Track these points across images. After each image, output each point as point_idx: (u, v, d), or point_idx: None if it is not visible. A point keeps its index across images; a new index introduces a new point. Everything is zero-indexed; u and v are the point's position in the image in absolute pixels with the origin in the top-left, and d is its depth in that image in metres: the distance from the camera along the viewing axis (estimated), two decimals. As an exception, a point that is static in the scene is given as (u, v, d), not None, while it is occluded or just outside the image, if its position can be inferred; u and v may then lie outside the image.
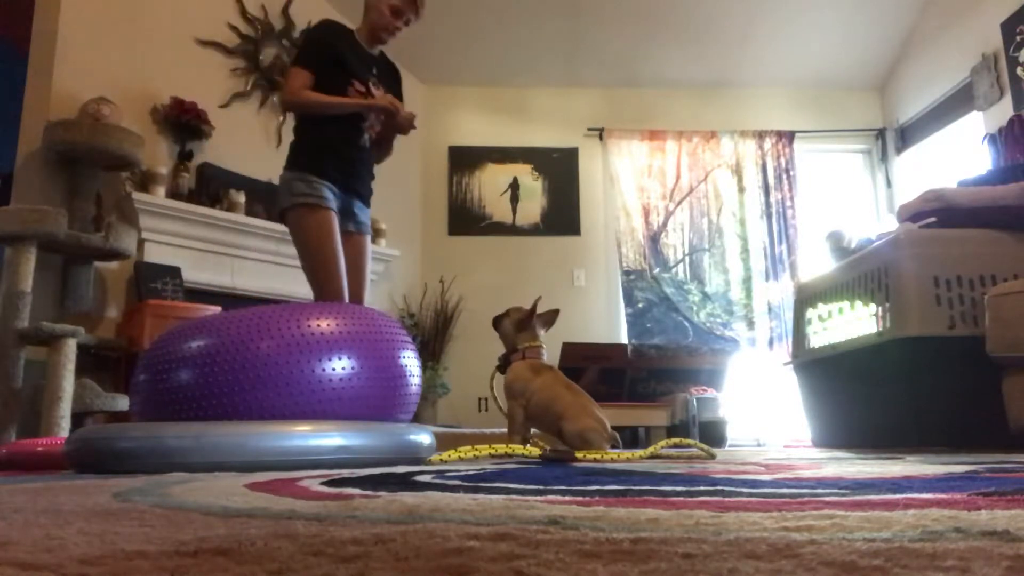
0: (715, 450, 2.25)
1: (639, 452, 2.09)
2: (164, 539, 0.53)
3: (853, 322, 3.09)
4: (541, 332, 2.28)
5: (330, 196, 2.52)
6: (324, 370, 1.67)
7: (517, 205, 5.67)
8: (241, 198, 4.24)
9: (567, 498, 0.82)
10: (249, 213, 4.27)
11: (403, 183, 5.55)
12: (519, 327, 2.25)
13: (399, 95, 2.76)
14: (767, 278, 5.46)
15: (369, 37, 2.68)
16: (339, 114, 2.55)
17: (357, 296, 2.64)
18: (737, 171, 5.66)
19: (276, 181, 4.56)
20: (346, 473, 1.36)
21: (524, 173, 5.72)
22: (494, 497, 0.83)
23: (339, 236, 2.52)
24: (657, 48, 5.49)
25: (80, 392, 3.11)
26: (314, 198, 2.48)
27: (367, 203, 2.76)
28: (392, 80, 2.80)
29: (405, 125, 2.63)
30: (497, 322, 2.34)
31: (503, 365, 2.25)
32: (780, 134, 5.69)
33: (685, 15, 5.22)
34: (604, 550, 0.46)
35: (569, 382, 2.17)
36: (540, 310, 2.32)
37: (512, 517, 0.63)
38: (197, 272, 3.99)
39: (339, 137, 2.57)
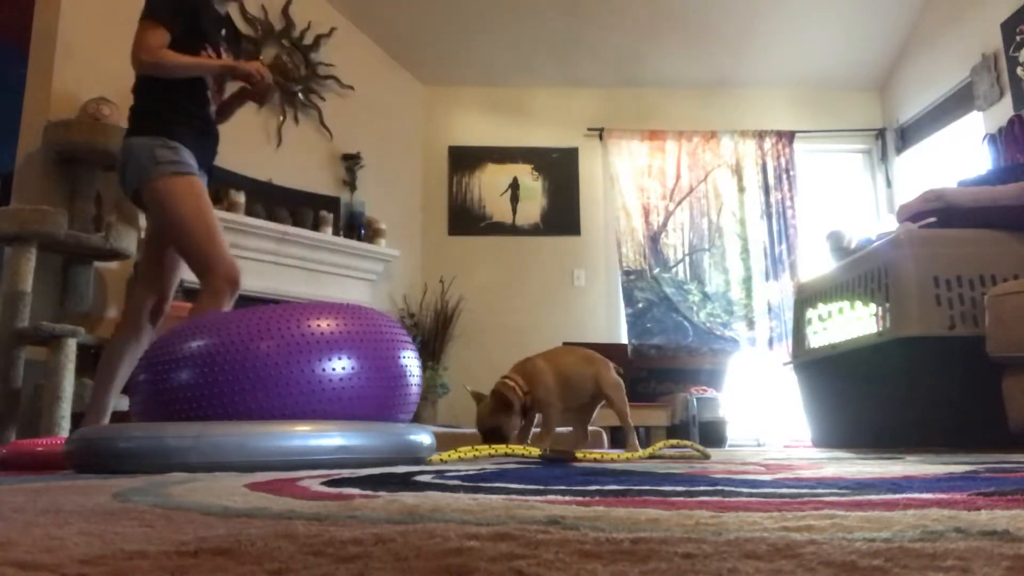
0: (714, 450, 2.26)
1: (638, 452, 2.09)
2: (164, 539, 0.53)
3: (853, 322, 3.09)
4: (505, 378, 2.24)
5: (194, 164, 2.29)
6: (324, 370, 1.67)
7: (517, 205, 5.67)
8: (241, 198, 4.24)
9: (567, 498, 0.82)
10: (249, 213, 4.28)
11: (403, 183, 5.55)
12: (494, 410, 2.17)
13: (239, 59, 2.54)
14: (767, 278, 5.46)
15: None
16: (197, 75, 2.32)
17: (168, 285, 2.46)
18: (737, 171, 5.66)
19: (276, 180, 4.63)
20: (346, 473, 1.36)
21: (524, 173, 5.72)
22: (494, 497, 0.83)
23: None
24: (657, 48, 5.49)
25: (80, 392, 3.11)
26: (183, 165, 2.24)
27: (211, 180, 2.54)
28: (237, 44, 2.60)
29: (265, 94, 2.42)
30: (490, 420, 2.23)
31: (527, 413, 2.23)
32: (780, 134, 5.69)
33: (685, 15, 5.22)
34: (604, 550, 0.46)
35: (577, 349, 2.24)
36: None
37: (512, 517, 0.63)
38: (197, 272, 3.99)
39: (191, 103, 2.34)
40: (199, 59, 2.31)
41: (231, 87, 2.55)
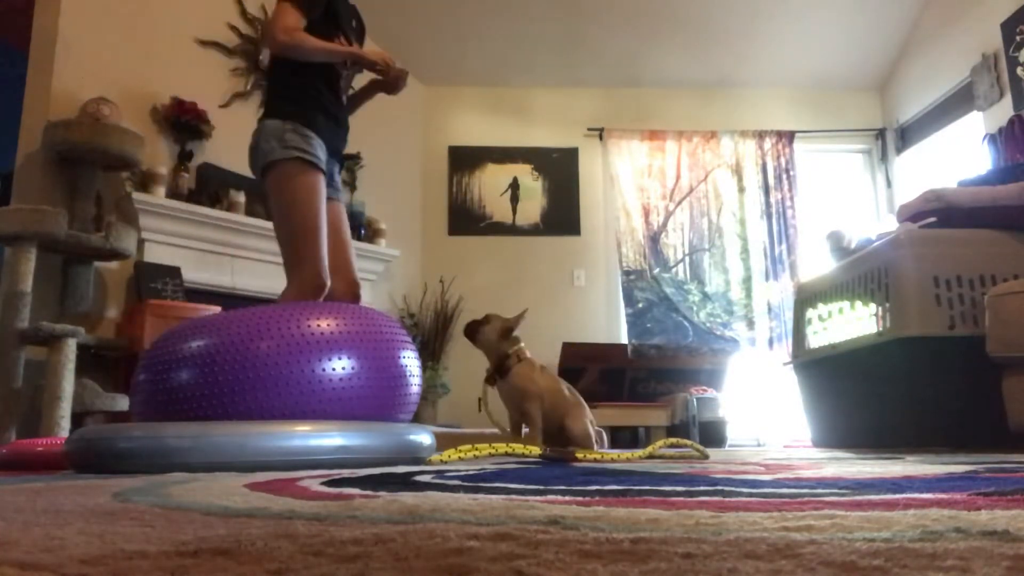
0: (714, 450, 2.26)
1: (638, 452, 2.09)
2: (164, 539, 0.53)
3: (853, 322, 3.09)
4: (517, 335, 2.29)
5: (323, 157, 2.27)
6: (324, 370, 1.67)
7: (517, 205, 5.67)
8: (241, 198, 4.23)
9: (567, 498, 0.82)
10: (249, 213, 4.27)
11: (403, 183, 5.55)
12: (503, 335, 2.24)
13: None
14: (767, 278, 5.46)
15: None
16: (327, 61, 2.29)
17: (347, 268, 2.38)
18: (737, 171, 5.66)
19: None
20: (346, 473, 1.36)
21: (524, 173, 5.72)
22: (494, 497, 0.83)
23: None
24: (657, 48, 5.49)
25: (80, 392, 3.11)
26: (311, 156, 2.21)
27: (343, 166, 2.50)
28: (360, 33, 2.57)
29: (398, 83, 2.38)
30: (474, 329, 2.29)
31: (493, 376, 2.23)
32: (780, 134, 5.69)
33: (685, 15, 5.22)
34: (604, 550, 0.46)
35: (561, 380, 2.21)
36: (536, 310, 2.35)
37: (512, 517, 0.63)
38: (197, 272, 3.99)
39: (327, 90, 2.32)
40: (331, 44, 2.27)
41: (359, 80, 2.51)
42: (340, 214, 2.40)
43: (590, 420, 2.12)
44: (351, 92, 2.51)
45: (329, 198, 2.32)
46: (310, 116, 2.24)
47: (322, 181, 2.25)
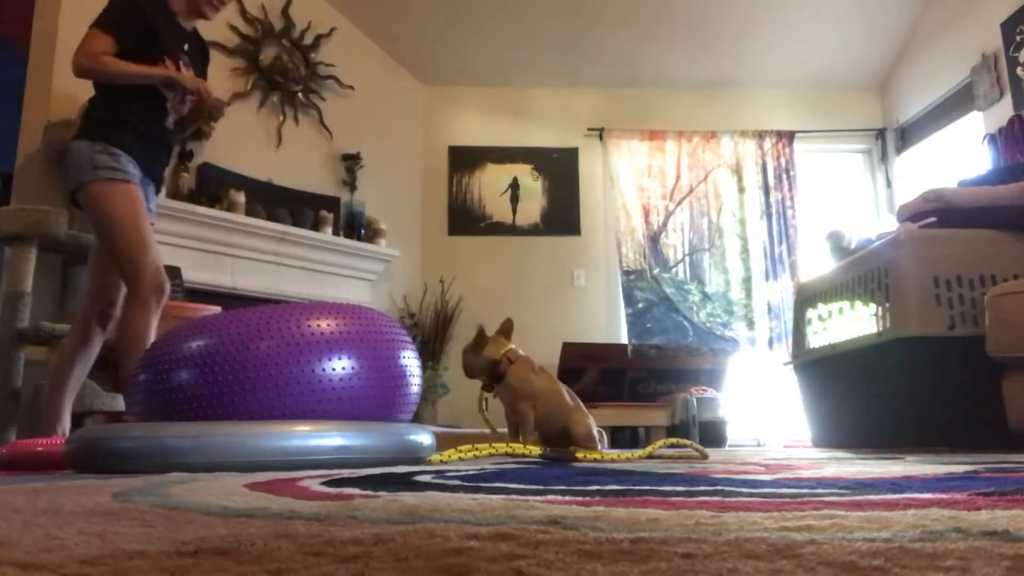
0: (714, 450, 2.25)
1: (638, 452, 2.09)
2: (164, 539, 0.53)
3: (853, 322, 3.09)
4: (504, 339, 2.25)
5: (136, 174, 2.31)
6: (324, 370, 1.67)
7: (517, 205, 5.67)
8: (241, 198, 4.24)
9: (567, 498, 0.82)
10: (249, 213, 4.28)
11: (403, 183, 5.55)
12: (478, 350, 2.20)
13: (205, 76, 2.57)
14: (767, 278, 5.46)
15: (188, 10, 2.47)
16: (139, 83, 2.32)
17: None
18: (737, 171, 5.66)
19: (276, 180, 4.63)
20: (346, 473, 1.36)
21: (524, 173, 5.72)
22: (494, 497, 0.83)
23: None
24: (657, 48, 5.49)
25: (80, 392, 3.10)
26: (121, 173, 2.26)
27: (159, 188, 2.57)
28: (202, 60, 2.60)
29: (214, 112, 2.44)
30: (465, 367, 2.26)
31: (490, 384, 2.22)
32: (780, 134, 5.69)
33: (685, 15, 5.22)
34: (604, 550, 0.46)
35: (559, 382, 2.20)
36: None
37: (512, 517, 0.63)
38: (197, 272, 4.00)
39: (145, 113, 2.36)
40: (140, 67, 2.30)
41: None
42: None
43: (592, 422, 2.12)
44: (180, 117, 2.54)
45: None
46: (120, 137, 2.30)
47: (137, 189, 2.31)
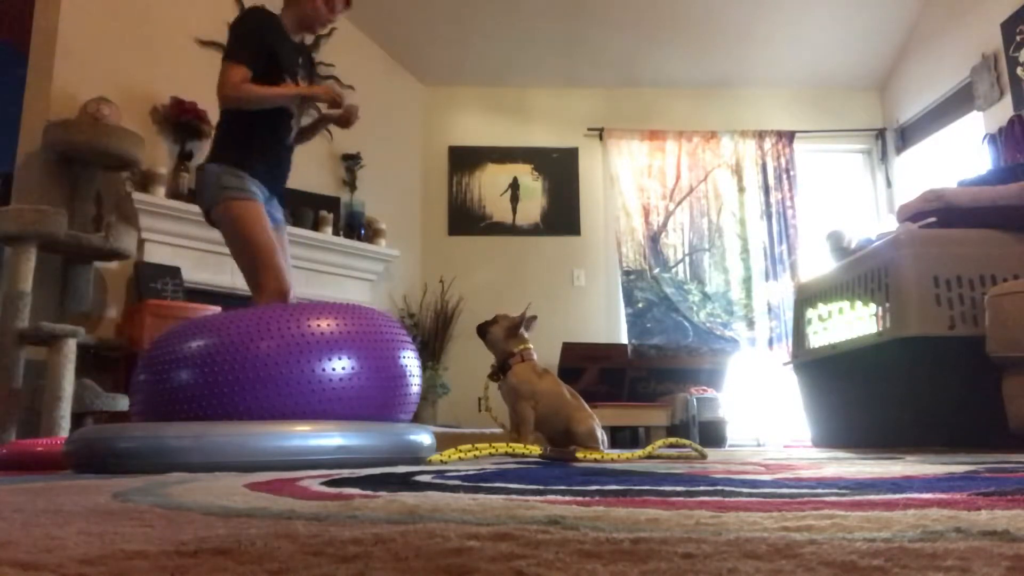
0: (713, 450, 2.26)
1: (637, 452, 2.09)
2: (164, 539, 0.53)
3: (853, 322, 3.09)
4: (527, 336, 2.30)
5: (259, 193, 2.48)
6: (324, 370, 1.67)
7: (517, 205, 5.67)
8: (241, 198, 4.23)
9: (567, 498, 0.82)
10: (249, 213, 4.27)
11: (403, 183, 5.55)
12: (509, 333, 2.26)
13: (313, 83, 2.73)
14: (767, 278, 5.46)
15: (298, 26, 2.63)
16: (278, 105, 2.50)
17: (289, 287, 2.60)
18: (737, 171, 5.66)
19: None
20: (346, 473, 1.36)
21: (524, 173, 5.71)
22: (494, 497, 0.83)
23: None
24: (657, 48, 5.49)
25: (80, 392, 3.11)
26: (246, 192, 2.44)
27: (283, 203, 2.73)
28: (311, 69, 2.75)
29: (350, 117, 2.57)
30: (484, 330, 2.34)
31: (496, 372, 2.26)
32: (780, 134, 5.69)
33: (685, 15, 5.22)
34: (604, 550, 0.46)
35: (563, 383, 2.22)
36: (536, 310, 2.35)
37: (512, 517, 0.63)
38: (197, 272, 3.99)
39: (269, 134, 2.53)
40: (279, 89, 2.47)
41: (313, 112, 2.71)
42: (282, 242, 2.61)
43: (596, 422, 2.13)
44: (302, 126, 2.70)
45: (275, 229, 2.55)
46: (244, 159, 2.46)
47: (260, 208, 2.47)
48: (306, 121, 2.78)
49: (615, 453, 2.12)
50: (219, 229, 2.49)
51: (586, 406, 2.17)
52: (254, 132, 2.48)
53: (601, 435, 2.10)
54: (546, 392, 2.15)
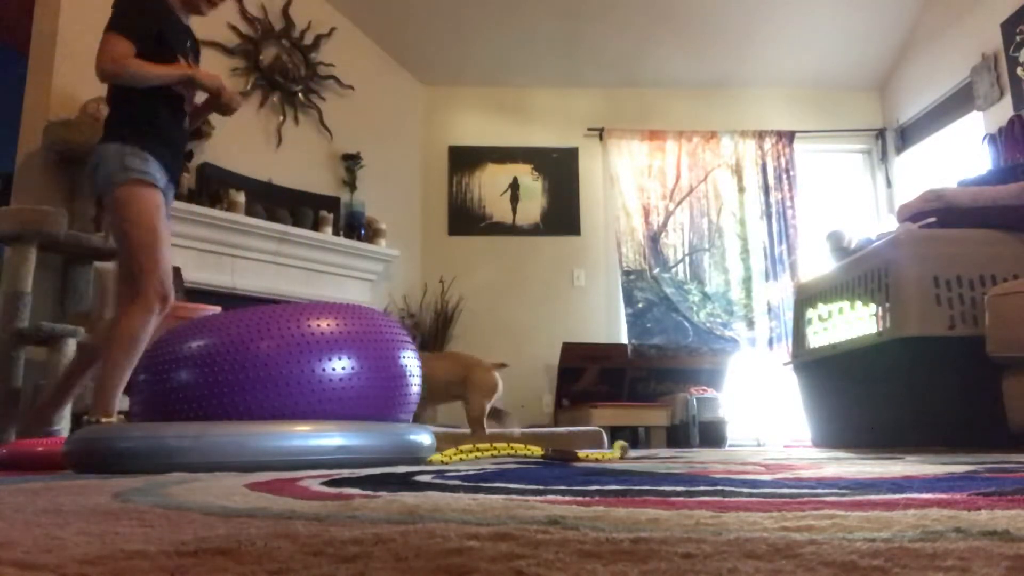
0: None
1: (608, 453, 2.08)
2: (164, 539, 0.53)
3: (853, 322, 3.09)
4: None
5: (160, 179, 2.36)
6: (324, 370, 1.67)
7: (517, 205, 5.66)
8: (241, 198, 4.23)
9: (567, 498, 0.82)
10: (249, 213, 4.27)
11: (403, 183, 5.55)
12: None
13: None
14: (767, 278, 5.46)
15: (185, 5, 2.48)
16: (164, 84, 2.34)
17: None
18: (737, 171, 5.66)
19: (276, 181, 4.63)
20: (346, 473, 1.36)
21: (524, 173, 5.71)
22: (494, 497, 0.83)
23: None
24: (657, 48, 5.48)
25: (80, 392, 3.10)
26: (150, 176, 2.31)
27: (177, 191, 2.62)
28: (197, 53, 2.62)
29: (230, 105, 2.46)
30: None
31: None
32: (780, 134, 5.69)
33: (685, 15, 5.21)
34: (604, 550, 0.46)
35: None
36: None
37: (512, 517, 0.63)
38: (197, 272, 3.99)
39: (167, 115, 2.39)
40: (164, 67, 2.32)
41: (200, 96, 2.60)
42: (168, 231, 2.51)
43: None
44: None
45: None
46: (149, 142, 2.33)
47: (161, 198, 2.36)
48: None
49: (599, 453, 2.12)
50: (113, 212, 2.34)
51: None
52: (158, 114, 2.35)
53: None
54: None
